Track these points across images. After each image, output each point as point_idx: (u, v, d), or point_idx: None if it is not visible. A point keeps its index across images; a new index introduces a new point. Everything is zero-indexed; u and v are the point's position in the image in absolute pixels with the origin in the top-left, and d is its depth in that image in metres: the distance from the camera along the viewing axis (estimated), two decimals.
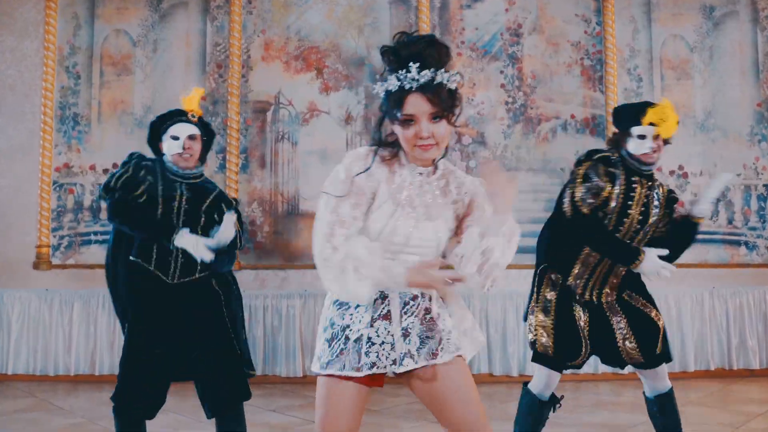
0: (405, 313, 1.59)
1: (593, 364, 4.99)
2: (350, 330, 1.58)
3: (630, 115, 2.65)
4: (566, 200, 2.60)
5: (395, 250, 1.59)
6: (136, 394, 2.52)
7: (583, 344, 2.62)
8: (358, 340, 1.56)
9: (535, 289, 2.73)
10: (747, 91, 5.55)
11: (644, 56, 5.52)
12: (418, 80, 1.51)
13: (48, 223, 5.28)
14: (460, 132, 5.40)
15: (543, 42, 5.49)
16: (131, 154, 2.74)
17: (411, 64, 1.50)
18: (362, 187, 1.55)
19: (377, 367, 1.55)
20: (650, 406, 2.78)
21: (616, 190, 2.58)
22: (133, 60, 5.40)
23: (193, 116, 2.69)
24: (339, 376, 1.57)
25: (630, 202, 2.61)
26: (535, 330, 2.64)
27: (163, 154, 2.70)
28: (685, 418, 3.86)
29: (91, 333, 5.15)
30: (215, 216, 2.68)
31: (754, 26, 5.59)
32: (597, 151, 2.73)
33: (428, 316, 1.61)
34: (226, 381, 2.56)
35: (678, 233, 2.68)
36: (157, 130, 2.72)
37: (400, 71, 1.52)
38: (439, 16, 5.48)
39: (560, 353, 2.60)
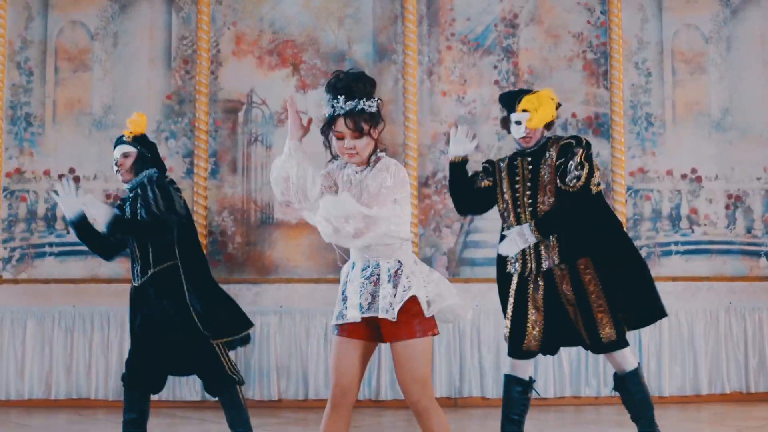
0: (361, 276, 2.29)
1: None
2: (341, 293, 2.37)
3: (508, 102, 3.19)
4: None
5: None
6: (140, 377, 3.36)
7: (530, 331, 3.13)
8: (338, 300, 2.35)
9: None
10: None
11: (654, 48, 5.46)
12: (344, 108, 2.22)
13: None
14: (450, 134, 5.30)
15: (542, 33, 5.46)
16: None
17: (339, 96, 2.22)
18: (334, 178, 2.40)
19: (344, 317, 2.29)
20: (615, 382, 3.20)
21: (496, 177, 3.25)
22: (91, 55, 5.38)
23: (127, 138, 3.42)
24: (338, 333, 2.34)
25: (517, 178, 3.17)
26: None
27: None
28: None
29: (46, 354, 5.13)
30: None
31: None
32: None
33: (378, 282, 2.27)
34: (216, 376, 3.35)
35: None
36: None
37: (333, 101, 2.24)
38: (426, 6, 5.47)
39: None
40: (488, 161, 3.38)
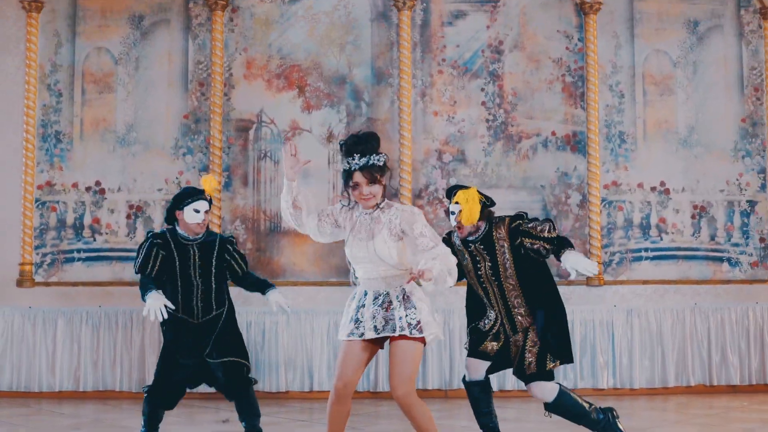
0: (374, 303, 2.76)
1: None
2: (349, 313, 2.81)
3: (448, 192, 3.54)
4: None
5: (354, 259, 2.84)
6: (163, 392, 3.67)
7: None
8: (351, 319, 2.78)
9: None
10: (731, 106, 6.03)
11: (626, 72, 6.02)
12: (358, 164, 2.72)
13: (31, 241, 5.80)
14: (441, 151, 5.84)
15: (524, 59, 6.00)
16: (147, 234, 3.83)
17: (354, 154, 2.72)
18: (335, 217, 2.89)
19: (361, 335, 2.74)
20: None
21: (464, 262, 3.45)
22: (115, 78, 5.93)
23: (208, 197, 3.77)
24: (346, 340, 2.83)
25: (479, 265, 3.43)
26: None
27: (176, 221, 3.74)
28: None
29: (74, 350, 5.67)
30: (225, 257, 3.76)
31: (739, 40, 6.06)
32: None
33: (390, 307, 2.74)
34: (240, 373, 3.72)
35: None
36: (180, 201, 3.70)
37: (349, 158, 2.73)
38: (420, 34, 5.99)
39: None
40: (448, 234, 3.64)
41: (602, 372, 5.61)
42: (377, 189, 2.75)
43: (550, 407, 3.41)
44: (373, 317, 2.74)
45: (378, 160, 2.73)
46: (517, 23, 5.95)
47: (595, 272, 3.27)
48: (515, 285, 3.39)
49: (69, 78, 5.88)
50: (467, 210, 3.34)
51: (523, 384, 3.53)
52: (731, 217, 5.92)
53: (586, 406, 3.37)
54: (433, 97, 5.93)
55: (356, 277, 2.87)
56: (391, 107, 5.89)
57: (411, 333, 2.69)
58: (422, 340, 2.72)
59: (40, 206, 5.80)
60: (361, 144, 2.74)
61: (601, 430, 3.34)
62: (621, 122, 5.94)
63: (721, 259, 5.89)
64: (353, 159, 2.71)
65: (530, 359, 3.35)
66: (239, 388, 3.72)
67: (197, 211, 3.66)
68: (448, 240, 3.60)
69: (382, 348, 2.80)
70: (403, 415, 2.77)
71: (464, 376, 3.62)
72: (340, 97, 5.90)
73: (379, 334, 2.72)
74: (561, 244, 3.34)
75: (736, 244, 5.91)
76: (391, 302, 2.75)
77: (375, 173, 2.71)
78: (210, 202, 3.79)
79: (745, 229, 5.92)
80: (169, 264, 3.66)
